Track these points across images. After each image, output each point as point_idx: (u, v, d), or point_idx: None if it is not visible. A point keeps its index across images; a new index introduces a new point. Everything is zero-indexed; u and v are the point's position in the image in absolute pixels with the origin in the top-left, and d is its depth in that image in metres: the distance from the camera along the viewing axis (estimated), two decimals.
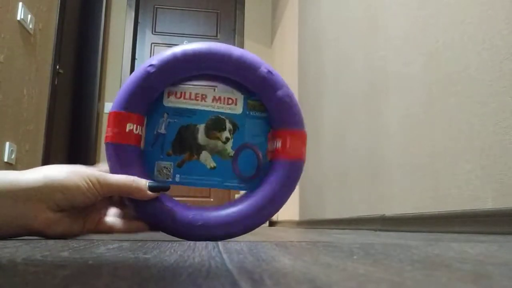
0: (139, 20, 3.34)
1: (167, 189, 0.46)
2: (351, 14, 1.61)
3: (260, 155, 0.50)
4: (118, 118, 0.45)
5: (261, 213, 0.48)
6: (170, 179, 0.48)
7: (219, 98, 0.49)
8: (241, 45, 3.36)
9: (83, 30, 2.92)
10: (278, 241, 0.51)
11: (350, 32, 1.61)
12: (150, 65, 0.45)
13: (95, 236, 0.55)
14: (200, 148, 0.49)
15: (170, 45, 3.32)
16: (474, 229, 0.80)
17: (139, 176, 0.45)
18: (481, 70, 0.85)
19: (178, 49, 0.47)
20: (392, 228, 1.12)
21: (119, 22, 3.25)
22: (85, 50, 2.94)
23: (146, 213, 0.46)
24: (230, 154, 0.49)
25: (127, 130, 0.45)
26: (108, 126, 0.46)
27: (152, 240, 0.47)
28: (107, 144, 0.46)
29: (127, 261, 0.24)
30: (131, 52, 3.22)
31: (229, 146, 0.49)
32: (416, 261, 0.26)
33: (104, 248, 0.33)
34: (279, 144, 0.49)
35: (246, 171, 0.50)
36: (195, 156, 0.49)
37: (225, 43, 3.36)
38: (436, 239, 0.57)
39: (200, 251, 0.32)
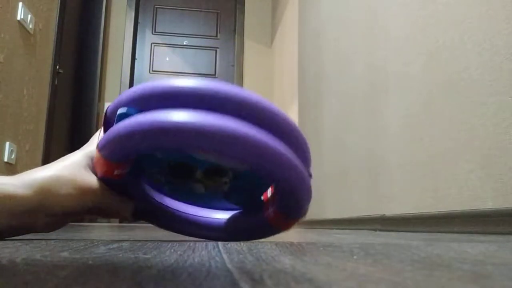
0: (139, 20, 3.34)
1: (148, 219, 0.49)
2: (351, 14, 1.61)
3: (255, 194, 0.48)
4: (106, 164, 0.41)
5: (221, 238, 0.50)
6: (159, 184, 0.48)
7: None
8: (241, 45, 3.36)
9: (83, 30, 2.91)
10: (278, 241, 0.51)
11: (350, 32, 1.61)
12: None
13: (95, 236, 0.55)
14: (194, 181, 0.46)
15: (170, 45, 3.32)
16: (474, 229, 0.80)
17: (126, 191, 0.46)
18: (481, 70, 0.85)
19: (182, 118, 0.34)
20: (392, 228, 1.12)
21: (119, 22, 3.25)
22: (85, 50, 2.94)
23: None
24: (224, 191, 0.47)
25: (115, 173, 0.42)
26: (96, 161, 0.42)
27: (152, 240, 0.47)
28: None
29: (127, 261, 0.24)
30: (131, 52, 3.22)
31: (226, 186, 0.46)
32: (416, 261, 0.26)
33: (104, 248, 0.33)
34: (271, 213, 0.45)
35: (236, 201, 0.49)
36: (188, 184, 0.47)
37: (225, 43, 3.40)
38: (436, 239, 0.57)
39: (200, 251, 0.32)
